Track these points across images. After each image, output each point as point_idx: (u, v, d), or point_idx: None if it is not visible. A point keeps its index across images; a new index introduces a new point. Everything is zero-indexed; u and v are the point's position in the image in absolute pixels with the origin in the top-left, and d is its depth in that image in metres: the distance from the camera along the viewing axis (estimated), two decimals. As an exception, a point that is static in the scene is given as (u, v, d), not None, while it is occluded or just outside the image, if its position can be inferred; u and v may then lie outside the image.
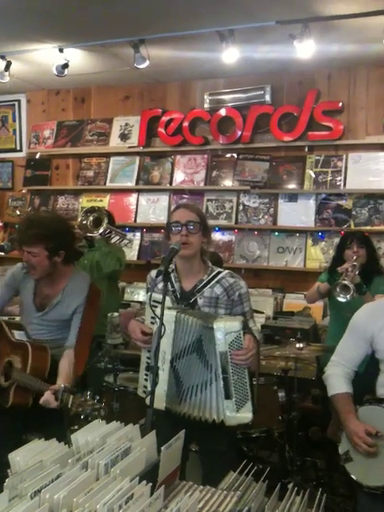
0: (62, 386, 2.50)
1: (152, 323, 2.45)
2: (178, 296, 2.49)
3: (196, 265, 2.52)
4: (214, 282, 2.49)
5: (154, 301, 2.35)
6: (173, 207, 5.33)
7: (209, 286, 2.48)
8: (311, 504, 1.54)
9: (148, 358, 2.48)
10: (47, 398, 2.48)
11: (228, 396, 2.30)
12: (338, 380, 2.34)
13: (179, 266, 2.55)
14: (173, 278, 2.50)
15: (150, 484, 1.36)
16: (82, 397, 2.41)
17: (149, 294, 2.42)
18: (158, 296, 2.31)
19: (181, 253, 2.40)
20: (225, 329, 2.27)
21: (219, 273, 2.53)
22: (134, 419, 2.39)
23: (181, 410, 2.39)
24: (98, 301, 2.99)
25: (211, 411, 2.34)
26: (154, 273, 2.60)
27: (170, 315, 2.33)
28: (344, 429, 2.25)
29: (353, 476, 2.20)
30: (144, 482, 1.36)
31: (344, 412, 2.25)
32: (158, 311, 2.22)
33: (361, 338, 2.30)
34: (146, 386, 2.48)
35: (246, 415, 2.31)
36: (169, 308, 2.35)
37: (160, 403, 2.34)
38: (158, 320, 2.24)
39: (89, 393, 2.46)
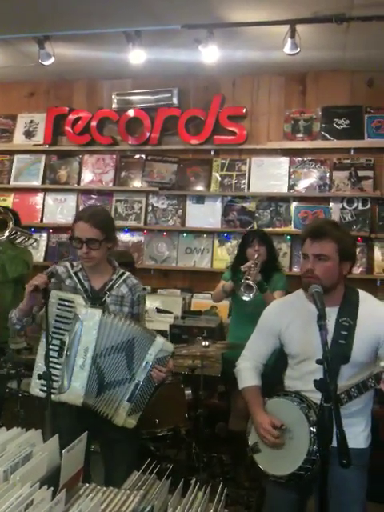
0: None
1: (58, 321, 2.46)
2: (90, 295, 2.56)
3: (102, 266, 2.62)
4: (120, 281, 2.63)
5: (62, 299, 2.44)
6: (81, 208, 5.32)
7: (116, 285, 2.61)
8: (213, 498, 1.59)
9: (52, 356, 2.43)
10: None
11: (130, 399, 2.48)
12: (247, 374, 2.42)
13: (86, 267, 2.62)
14: (81, 277, 2.59)
15: (52, 488, 1.35)
16: None
17: (52, 291, 2.46)
18: (69, 295, 2.47)
19: (85, 265, 2.58)
20: (162, 345, 2.50)
21: (124, 273, 2.68)
22: (39, 425, 2.35)
23: (92, 403, 2.45)
24: None
25: (112, 407, 2.47)
26: (60, 269, 2.62)
27: (92, 313, 2.44)
28: (252, 421, 2.33)
29: (260, 466, 2.28)
30: (45, 486, 1.35)
31: (252, 405, 2.33)
32: (71, 311, 2.42)
33: (269, 333, 2.40)
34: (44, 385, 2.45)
35: (131, 421, 2.50)
36: (92, 306, 2.48)
37: (77, 399, 2.43)
38: (67, 320, 2.42)
39: None
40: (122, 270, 2.68)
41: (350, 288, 2.28)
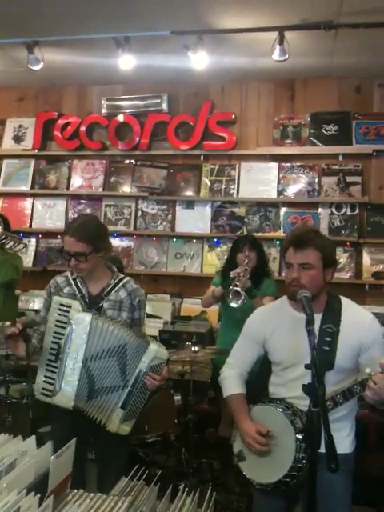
0: None
1: (57, 326, 2.51)
2: (87, 300, 2.59)
3: (98, 272, 2.63)
4: (119, 286, 2.63)
5: (62, 305, 2.49)
6: (70, 213, 5.32)
7: (114, 290, 2.61)
8: (201, 503, 1.59)
9: (50, 360, 2.52)
10: None
11: (124, 406, 2.49)
12: (232, 382, 2.41)
13: (80, 275, 2.64)
14: (79, 283, 2.62)
15: (39, 495, 1.34)
16: None
17: (54, 297, 2.55)
18: (68, 300, 2.51)
19: (78, 274, 2.62)
20: (156, 352, 2.49)
21: (123, 278, 2.67)
22: (27, 431, 2.33)
23: (83, 406, 2.49)
24: None
25: (104, 413, 2.49)
26: (60, 279, 2.67)
27: (83, 318, 2.48)
28: (237, 429, 2.33)
29: (246, 474, 2.28)
30: (32, 493, 1.34)
31: (237, 412, 2.33)
32: (67, 316, 2.47)
33: (254, 341, 2.39)
34: (45, 389, 2.53)
35: (125, 428, 2.52)
36: (84, 311, 2.51)
37: (68, 402, 2.48)
38: (64, 325, 2.47)
39: None
40: (121, 275, 2.68)
41: (332, 295, 2.29)
